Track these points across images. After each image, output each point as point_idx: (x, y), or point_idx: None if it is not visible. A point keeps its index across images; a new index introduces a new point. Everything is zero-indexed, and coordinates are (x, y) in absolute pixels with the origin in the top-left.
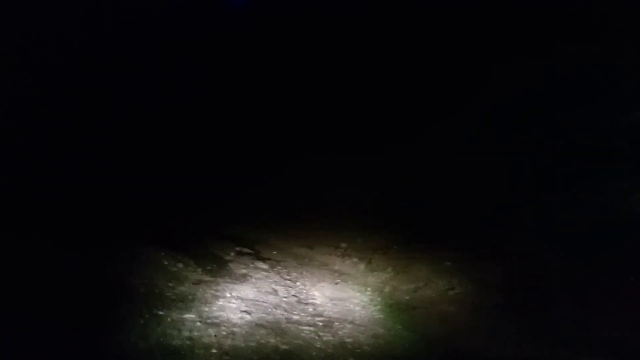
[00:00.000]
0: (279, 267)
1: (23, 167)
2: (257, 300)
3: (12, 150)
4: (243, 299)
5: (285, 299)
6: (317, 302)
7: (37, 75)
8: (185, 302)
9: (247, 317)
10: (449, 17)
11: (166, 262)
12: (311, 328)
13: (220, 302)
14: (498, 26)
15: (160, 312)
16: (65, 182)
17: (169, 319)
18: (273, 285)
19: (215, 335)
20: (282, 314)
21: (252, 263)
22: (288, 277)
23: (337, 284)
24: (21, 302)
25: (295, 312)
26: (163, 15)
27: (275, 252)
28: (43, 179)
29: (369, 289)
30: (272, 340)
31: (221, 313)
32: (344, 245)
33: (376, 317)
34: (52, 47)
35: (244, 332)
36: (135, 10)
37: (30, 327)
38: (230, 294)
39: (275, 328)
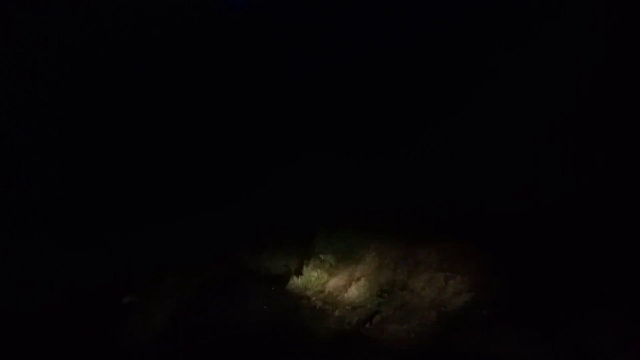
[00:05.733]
0: None
1: (23, 167)
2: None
3: (12, 150)
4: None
5: None
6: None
7: (37, 75)
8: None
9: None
10: (450, 18)
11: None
12: None
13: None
14: (498, 26)
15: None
16: (65, 182)
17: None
18: None
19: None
20: None
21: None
22: None
23: None
24: (21, 302)
25: None
26: (163, 15)
27: None
28: (43, 179)
29: None
30: None
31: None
32: None
33: None
34: (52, 47)
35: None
36: (135, 10)
37: (30, 326)
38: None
39: None
